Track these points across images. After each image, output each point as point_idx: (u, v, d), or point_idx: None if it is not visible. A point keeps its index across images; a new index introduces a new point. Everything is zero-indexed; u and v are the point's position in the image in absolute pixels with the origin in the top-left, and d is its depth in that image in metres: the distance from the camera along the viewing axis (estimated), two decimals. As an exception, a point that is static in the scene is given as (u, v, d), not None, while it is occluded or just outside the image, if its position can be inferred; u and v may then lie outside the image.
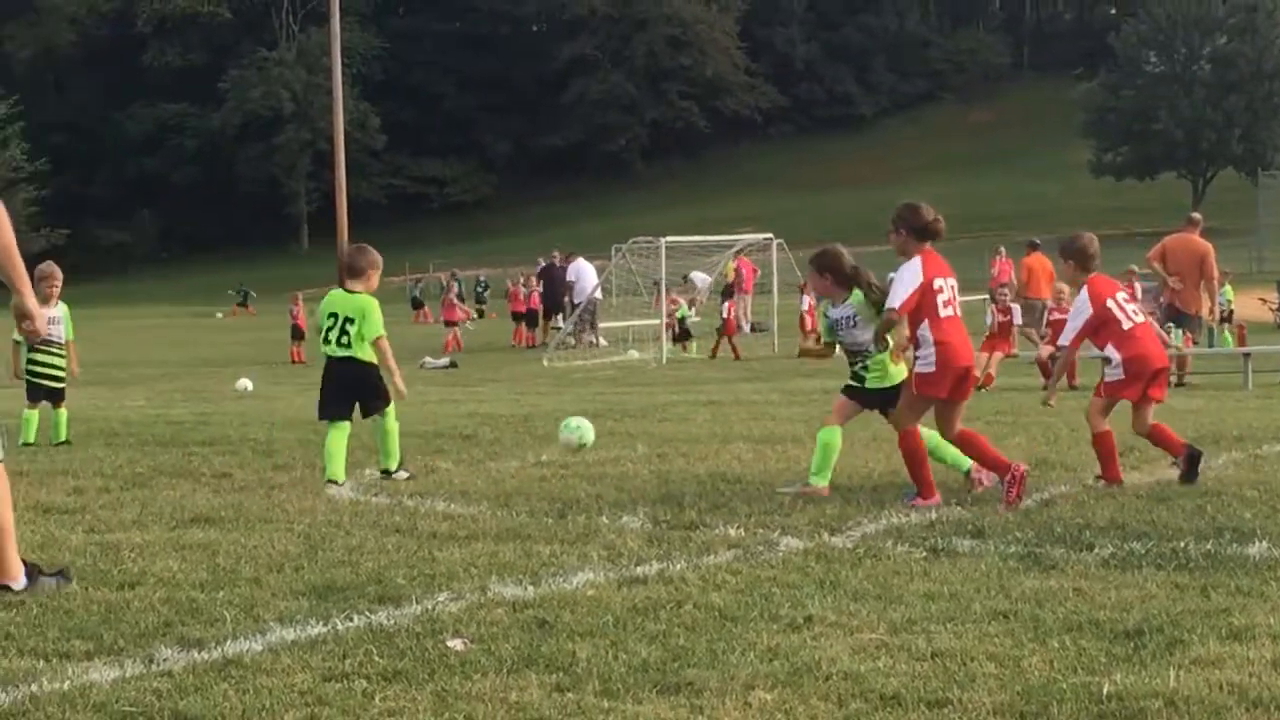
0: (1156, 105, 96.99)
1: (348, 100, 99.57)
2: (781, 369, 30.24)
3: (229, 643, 6.69)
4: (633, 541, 9.17)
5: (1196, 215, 25.26)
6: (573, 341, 37.94)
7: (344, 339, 12.41)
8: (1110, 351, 11.63)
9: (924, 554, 8.66)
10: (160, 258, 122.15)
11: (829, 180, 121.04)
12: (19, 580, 7.80)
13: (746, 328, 42.73)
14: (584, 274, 41.18)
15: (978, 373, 23.12)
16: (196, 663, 6.38)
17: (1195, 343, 23.60)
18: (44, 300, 16.36)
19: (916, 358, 10.80)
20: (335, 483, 12.17)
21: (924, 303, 10.65)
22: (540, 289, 44.56)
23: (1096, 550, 8.64)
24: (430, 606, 7.40)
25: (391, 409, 12.63)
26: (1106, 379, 11.85)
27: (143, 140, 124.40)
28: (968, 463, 11.22)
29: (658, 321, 37.22)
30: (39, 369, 16.39)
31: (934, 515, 10.00)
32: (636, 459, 13.66)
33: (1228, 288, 35.23)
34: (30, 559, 8.16)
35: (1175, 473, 11.61)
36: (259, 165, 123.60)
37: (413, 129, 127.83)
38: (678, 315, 38.22)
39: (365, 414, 12.62)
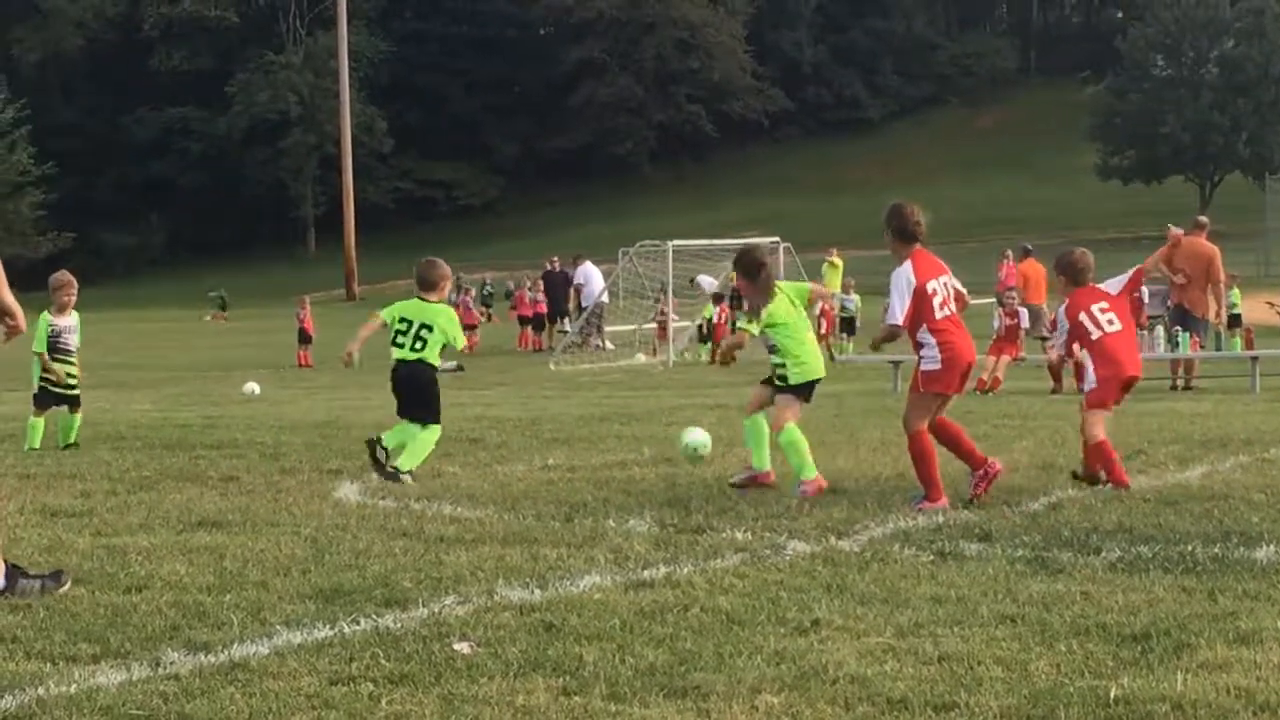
0: (1164, 109, 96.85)
1: (355, 104, 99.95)
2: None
3: (236, 646, 6.69)
4: (639, 545, 9.17)
5: (1203, 218, 25.26)
6: (580, 341, 37.95)
7: (417, 344, 12.92)
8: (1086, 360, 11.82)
9: (931, 558, 8.66)
10: (166, 260, 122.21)
11: (836, 183, 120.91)
12: None
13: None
14: (591, 277, 41.17)
15: (985, 376, 23.29)
16: (203, 666, 6.39)
17: (1203, 346, 23.58)
18: (60, 309, 16.42)
19: (920, 358, 10.92)
20: (409, 475, 12.65)
21: (920, 308, 10.79)
22: (543, 293, 44.62)
23: (1104, 554, 8.63)
24: (437, 610, 7.40)
25: (438, 427, 13.06)
26: (1087, 389, 12.03)
27: (149, 144, 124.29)
28: (766, 465, 11.76)
29: (651, 325, 37.22)
30: (51, 376, 16.40)
31: (941, 518, 10.00)
32: (643, 462, 13.66)
33: (1235, 291, 35.22)
34: (11, 559, 8.15)
35: (1184, 476, 11.63)
36: (266, 169, 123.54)
37: (420, 132, 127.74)
38: (704, 316, 38.23)
39: (414, 418, 13.01)
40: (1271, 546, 8.76)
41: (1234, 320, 33.45)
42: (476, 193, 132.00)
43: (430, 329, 12.92)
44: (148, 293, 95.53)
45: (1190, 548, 8.71)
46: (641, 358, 35.94)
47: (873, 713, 5.62)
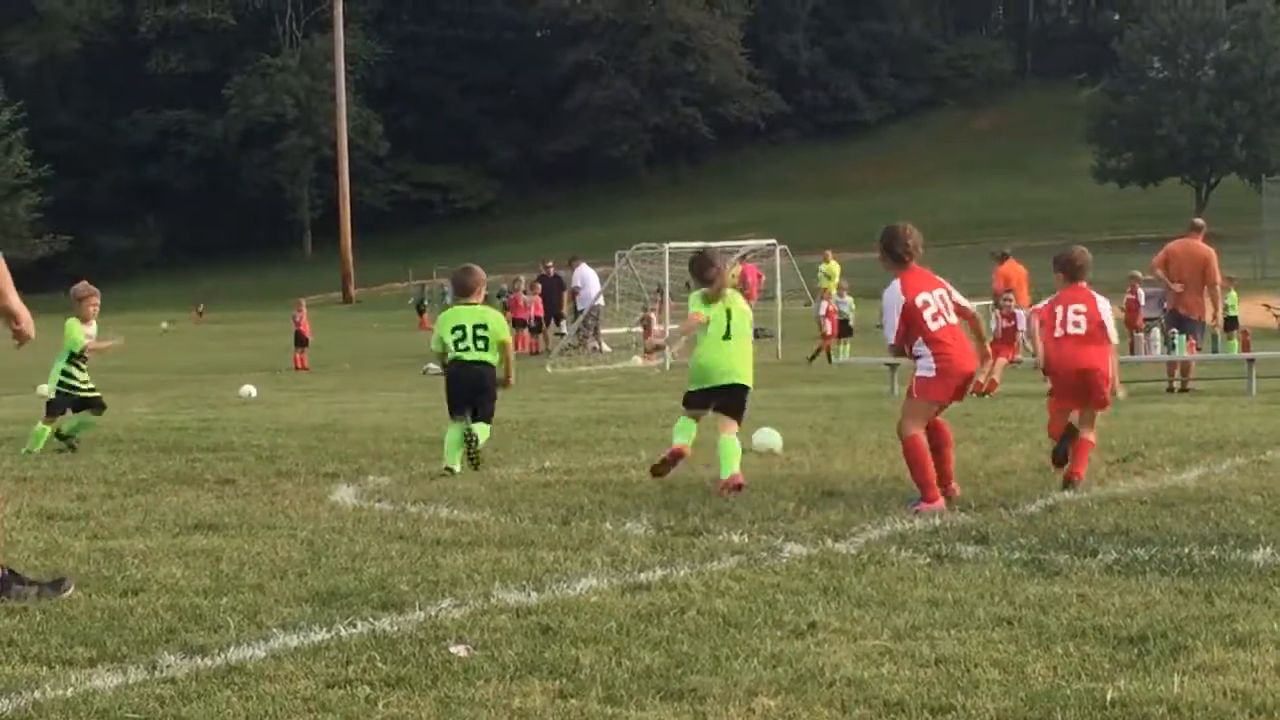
0: (1160, 111, 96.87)
1: (351, 107, 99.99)
2: (784, 375, 30.24)
3: (232, 649, 6.69)
4: (636, 548, 9.17)
5: (1199, 221, 25.27)
6: (576, 344, 37.96)
7: (478, 344, 13.52)
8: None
9: (928, 560, 8.66)
10: (162, 263, 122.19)
11: (833, 186, 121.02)
12: None
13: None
14: (588, 280, 41.15)
15: (981, 378, 23.28)
16: (199, 669, 6.38)
17: (1199, 348, 23.59)
18: (85, 319, 16.49)
19: (917, 365, 11.11)
20: (452, 471, 13.18)
21: (911, 322, 11.00)
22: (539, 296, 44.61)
23: (1100, 556, 8.63)
24: (433, 613, 7.39)
25: (488, 426, 13.60)
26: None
27: (146, 147, 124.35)
28: (731, 470, 11.81)
29: (660, 327, 37.20)
30: (74, 382, 16.44)
31: (938, 521, 10.00)
32: (640, 465, 13.64)
33: (1232, 293, 35.25)
34: (8, 563, 8.14)
35: (1181, 478, 11.63)
36: (262, 172, 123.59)
37: (416, 135, 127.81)
38: None
39: (474, 417, 13.51)
40: (1268, 549, 8.76)
41: (1231, 323, 33.44)
42: (473, 196, 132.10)
43: (484, 327, 13.56)
44: (144, 295, 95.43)
45: (1187, 550, 8.71)
46: (638, 360, 35.92)
47: (869, 715, 5.61)
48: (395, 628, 7.08)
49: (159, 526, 10.43)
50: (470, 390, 13.59)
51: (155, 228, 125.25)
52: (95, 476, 13.50)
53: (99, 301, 16.87)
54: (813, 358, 36.11)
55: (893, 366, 24.50)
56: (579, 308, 40.12)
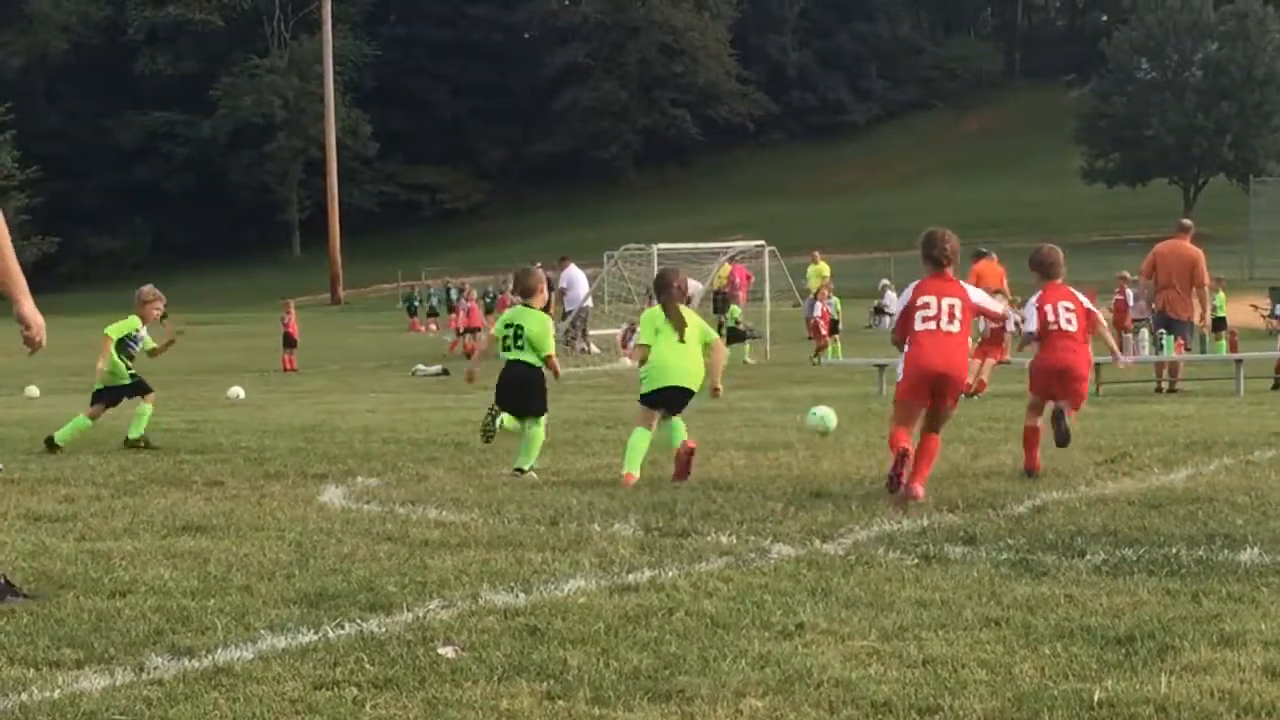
0: (1148, 112, 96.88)
1: (339, 108, 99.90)
2: (773, 376, 30.26)
3: (220, 651, 6.68)
4: (624, 549, 9.17)
5: (1187, 221, 25.31)
6: (565, 345, 37.92)
7: (518, 343, 13.65)
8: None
9: (916, 561, 8.67)
10: (151, 264, 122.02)
11: (821, 188, 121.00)
12: None
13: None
14: (576, 281, 41.11)
15: (969, 379, 23.27)
16: (187, 671, 6.37)
17: (1188, 349, 23.62)
18: (146, 320, 16.95)
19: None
20: (531, 471, 13.46)
21: (906, 320, 11.54)
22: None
23: (1088, 557, 8.64)
24: (421, 614, 7.39)
25: (543, 419, 13.72)
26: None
27: (135, 148, 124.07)
28: (682, 438, 12.89)
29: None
30: (118, 373, 16.68)
31: (926, 521, 10.01)
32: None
33: (1220, 294, 35.29)
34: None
35: (1169, 479, 11.67)
36: (251, 173, 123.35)
37: (405, 136, 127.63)
38: (729, 317, 38.27)
39: (520, 414, 13.59)
40: (1255, 549, 8.77)
41: (1219, 323, 33.48)
42: (461, 197, 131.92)
43: (524, 329, 13.73)
44: (133, 296, 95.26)
45: (1175, 550, 8.72)
46: (627, 361, 35.91)
47: (857, 716, 5.62)
48: (383, 629, 7.07)
49: (147, 528, 10.42)
50: (511, 389, 13.73)
51: (144, 229, 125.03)
52: (83, 478, 13.49)
53: (163, 306, 17.27)
54: (815, 358, 36.10)
55: (881, 367, 24.52)
56: (566, 309, 40.09)
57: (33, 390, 28.95)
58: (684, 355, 13.03)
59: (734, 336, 37.49)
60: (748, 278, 45.32)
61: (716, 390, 13.32)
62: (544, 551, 9.14)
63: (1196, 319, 23.78)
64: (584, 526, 10.09)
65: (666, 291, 13.30)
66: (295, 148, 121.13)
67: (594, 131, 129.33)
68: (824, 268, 48.61)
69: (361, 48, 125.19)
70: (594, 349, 39.53)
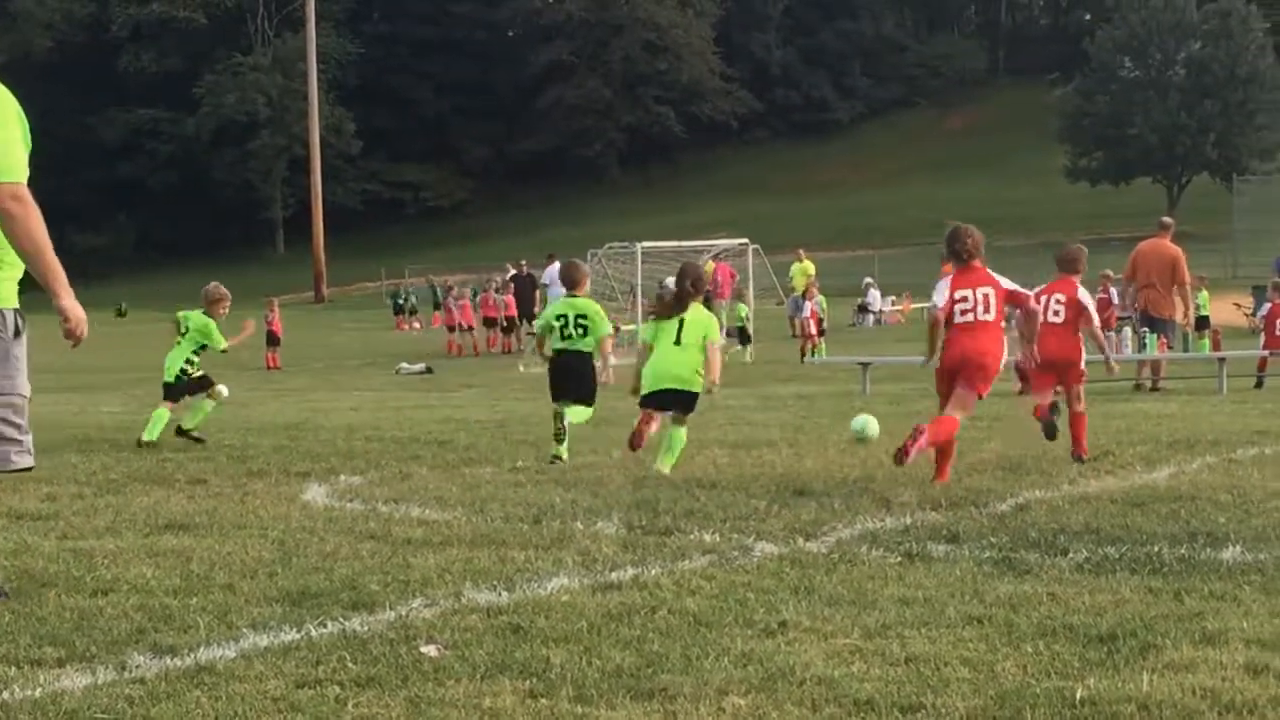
0: (1131, 110, 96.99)
1: (323, 106, 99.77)
2: (757, 374, 30.26)
3: (202, 649, 6.67)
4: (607, 547, 9.17)
5: (1167, 220, 25.36)
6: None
7: (578, 330, 14.37)
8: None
9: (899, 559, 8.68)
10: (136, 261, 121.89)
11: (805, 185, 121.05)
12: None
13: (721, 336, 42.74)
14: (556, 278, 40.99)
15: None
16: (169, 669, 6.36)
17: (1170, 347, 23.65)
18: (215, 319, 17.17)
19: None
20: (559, 459, 14.03)
21: (949, 316, 12.21)
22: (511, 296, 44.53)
23: (1071, 555, 8.65)
24: (404, 613, 7.38)
25: (592, 409, 14.53)
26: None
27: (118, 145, 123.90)
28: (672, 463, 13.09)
29: (632, 327, 37.17)
30: (190, 370, 17.04)
31: (909, 520, 10.02)
32: (611, 464, 13.66)
33: (1204, 293, 35.33)
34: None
35: (1151, 477, 11.71)
36: (234, 170, 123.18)
37: (389, 134, 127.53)
38: (739, 316, 38.26)
39: (573, 401, 14.25)
40: (1237, 547, 8.79)
41: (1202, 322, 33.53)
42: (445, 195, 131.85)
43: (585, 316, 14.40)
44: (117, 293, 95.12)
45: (1157, 549, 8.74)
46: (612, 359, 35.89)
47: (839, 714, 5.62)
48: (366, 628, 7.07)
49: (129, 526, 10.40)
50: (565, 376, 14.40)
51: (128, 226, 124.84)
52: (65, 476, 13.45)
53: (229, 305, 17.48)
54: (803, 356, 36.10)
55: (865, 366, 24.57)
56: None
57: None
58: (677, 358, 13.24)
59: (743, 337, 37.53)
60: (731, 276, 45.33)
61: (712, 387, 13.41)
62: (527, 550, 9.14)
63: (1179, 317, 23.81)
64: (567, 525, 10.09)
65: (682, 286, 13.50)
66: (279, 145, 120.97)
67: (578, 129, 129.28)
68: (809, 266, 48.57)
69: (345, 45, 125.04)
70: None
